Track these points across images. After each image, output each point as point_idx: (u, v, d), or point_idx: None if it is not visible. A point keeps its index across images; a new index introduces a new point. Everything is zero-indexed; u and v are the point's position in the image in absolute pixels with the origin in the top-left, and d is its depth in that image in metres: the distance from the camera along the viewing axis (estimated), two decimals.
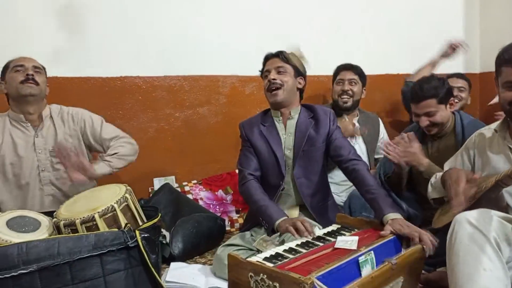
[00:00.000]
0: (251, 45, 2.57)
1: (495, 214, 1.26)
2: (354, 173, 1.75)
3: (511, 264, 1.21)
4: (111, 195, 1.56)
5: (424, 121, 1.95)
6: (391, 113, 3.08)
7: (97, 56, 2.38)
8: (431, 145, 2.06)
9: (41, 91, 1.92)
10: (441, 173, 1.64)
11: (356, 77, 2.48)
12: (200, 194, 2.50)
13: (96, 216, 1.46)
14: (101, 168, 1.82)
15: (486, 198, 1.36)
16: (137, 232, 1.39)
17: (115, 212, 1.50)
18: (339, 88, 2.47)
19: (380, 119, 2.64)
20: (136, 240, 1.38)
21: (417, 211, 1.97)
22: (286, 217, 1.63)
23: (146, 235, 1.41)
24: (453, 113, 2.01)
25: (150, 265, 1.36)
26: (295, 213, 1.85)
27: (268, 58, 1.92)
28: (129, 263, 1.37)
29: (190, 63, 2.56)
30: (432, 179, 1.69)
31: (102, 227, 1.47)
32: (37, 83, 1.88)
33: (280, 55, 1.88)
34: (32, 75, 1.86)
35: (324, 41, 2.87)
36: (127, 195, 1.57)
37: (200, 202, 2.44)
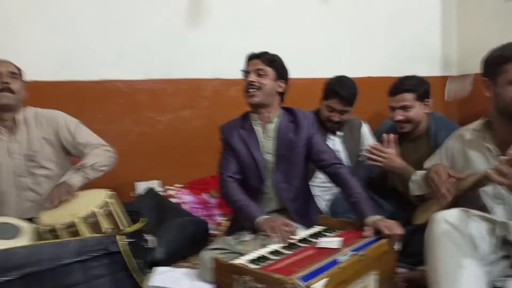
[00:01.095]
0: (234, 47, 2.58)
1: (472, 213, 1.30)
2: (336, 176, 1.77)
3: (490, 258, 1.25)
4: (92, 200, 1.55)
5: (398, 115, 2.01)
6: (375, 116, 3.11)
7: (77, 59, 2.36)
8: (405, 146, 2.10)
9: (17, 99, 1.87)
10: (421, 171, 1.68)
11: (348, 108, 2.31)
12: (184, 198, 2.49)
13: (78, 221, 1.45)
14: (77, 183, 1.79)
15: (464, 198, 1.40)
16: (119, 237, 1.38)
17: (96, 217, 1.49)
18: (327, 115, 2.31)
19: (364, 124, 2.61)
20: (118, 245, 1.37)
21: (398, 211, 2.01)
22: (266, 216, 1.65)
23: (129, 240, 1.41)
24: (426, 113, 2.07)
25: (133, 270, 1.36)
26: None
27: (250, 58, 1.90)
28: (113, 268, 1.36)
29: (172, 66, 2.56)
30: (413, 177, 1.73)
31: (85, 232, 1.45)
32: (13, 92, 1.83)
33: (261, 56, 1.87)
34: (8, 83, 1.81)
35: (308, 44, 2.90)
36: (107, 199, 1.56)
37: (184, 206, 2.43)
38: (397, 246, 1.49)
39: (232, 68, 2.67)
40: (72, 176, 1.79)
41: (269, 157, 1.86)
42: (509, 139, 1.42)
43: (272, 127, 1.89)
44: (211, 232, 2.29)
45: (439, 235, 1.25)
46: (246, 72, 1.88)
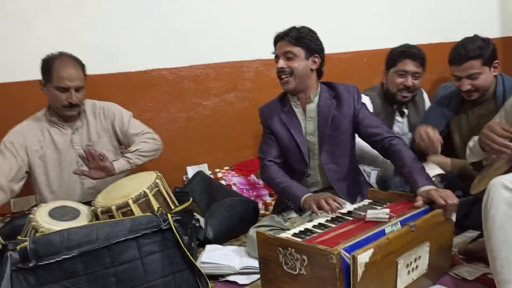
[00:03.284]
0: (273, 27, 2.53)
1: None
2: (389, 150, 1.67)
3: None
4: (143, 182, 1.62)
5: (466, 85, 1.84)
6: (432, 85, 2.92)
7: (125, 51, 2.45)
8: (471, 112, 1.96)
9: (81, 106, 1.98)
10: (477, 137, 1.56)
11: (420, 70, 2.16)
12: (233, 180, 2.53)
13: (130, 201, 1.53)
14: (120, 166, 1.89)
15: None
16: (169, 215, 1.43)
17: (147, 197, 1.56)
18: (400, 81, 2.14)
19: (423, 91, 2.44)
20: (169, 223, 1.42)
21: (456, 181, 1.89)
22: (311, 194, 1.62)
23: (178, 218, 1.46)
24: (495, 76, 1.90)
25: (183, 246, 1.40)
26: None
27: (276, 40, 1.79)
28: (164, 245, 1.42)
29: (213, 51, 2.58)
30: (470, 143, 1.62)
31: (137, 212, 1.53)
32: (78, 105, 1.94)
33: (287, 36, 1.73)
34: (75, 101, 1.88)
35: (346, 17, 2.79)
36: (157, 180, 1.63)
37: (233, 188, 2.48)
38: (452, 217, 1.41)
39: (272, 48, 2.67)
40: (117, 161, 1.90)
41: (312, 138, 1.80)
42: None
43: (312, 107, 1.80)
44: (261, 212, 2.32)
45: (497, 201, 1.16)
46: (276, 57, 1.79)
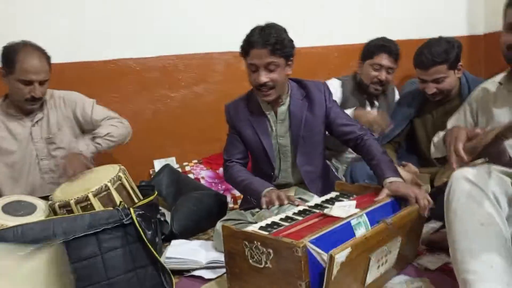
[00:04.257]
0: (244, 18, 2.50)
1: (494, 169, 1.22)
2: (361, 145, 1.67)
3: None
4: (105, 175, 1.56)
5: (432, 88, 1.87)
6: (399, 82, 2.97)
7: (90, 40, 2.35)
8: (435, 111, 1.99)
9: (42, 99, 1.87)
10: (443, 132, 1.59)
11: (395, 66, 2.19)
12: (201, 174, 2.49)
13: (90, 195, 1.46)
14: (90, 151, 1.81)
15: (487, 153, 1.31)
16: (131, 209, 1.38)
17: (109, 190, 1.50)
18: (374, 74, 2.17)
19: (395, 88, 2.49)
20: (131, 218, 1.37)
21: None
22: (272, 188, 1.58)
23: (141, 212, 1.40)
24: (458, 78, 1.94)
25: (147, 241, 1.36)
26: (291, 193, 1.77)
27: (253, 46, 1.56)
28: (126, 240, 1.37)
29: (182, 42, 2.51)
30: (435, 138, 1.65)
31: (97, 206, 1.47)
32: (40, 99, 1.84)
33: (268, 46, 1.52)
34: (38, 95, 1.79)
35: (318, 11, 2.78)
36: (120, 174, 1.57)
37: (202, 181, 2.44)
38: (426, 214, 1.41)
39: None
40: (84, 145, 1.80)
41: (283, 141, 1.74)
42: None
43: (284, 109, 1.73)
44: (230, 205, 2.29)
45: (458, 193, 1.18)
46: (252, 66, 1.59)
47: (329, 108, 1.73)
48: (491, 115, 1.43)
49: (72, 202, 1.45)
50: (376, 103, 2.30)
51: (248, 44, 1.58)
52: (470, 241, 1.09)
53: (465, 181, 1.18)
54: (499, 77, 1.47)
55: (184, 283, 1.51)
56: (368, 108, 2.28)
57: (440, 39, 1.91)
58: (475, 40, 3.07)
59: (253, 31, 1.60)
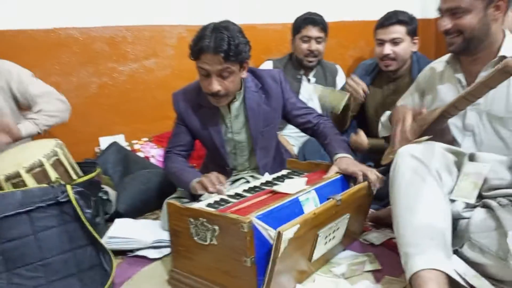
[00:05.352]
0: None
1: (439, 146, 1.24)
2: (317, 131, 1.67)
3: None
4: (39, 150, 1.43)
5: (387, 49, 1.92)
6: (354, 61, 3.00)
7: (28, 6, 2.15)
8: (386, 87, 2.03)
9: None
10: (389, 112, 1.61)
11: (323, 34, 2.30)
12: (151, 152, 2.39)
13: (22, 171, 1.34)
14: (26, 128, 1.66)
15: (431, 131, 1.33)
16: (68, 186, 1.28)
17: (43, 166, 1.38)
18: (305, 47, 2.29)
19: (340, 69, 2.54)
20: (68, 195, 1.27)
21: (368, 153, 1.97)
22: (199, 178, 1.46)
23: (79, 190, 1.31)
24: (413, 52, 2.00)
25: (85, 220, 1.27)
26: None
27: (203, 50, 1.39)
28: (62, 219, 1.27)
29: (131, 12, 2.37)
30: (382, 118, 1.66)
31: (31, 183, 1.35)
32: None
33: (221, 53, 1.37)
34: None
35: None
36: (56, 148, 1.45)
37: (152, 160, 2.34)
38: (374, 188, 1.42)
39: (198, 13, 2.51)
40: (21, 122, 1.67)
41: (239, 137, 1.66)
42: (473, 69, 1.36)
43: (237, 104, 1.61)
44: None
45: (403, 169, 1.19)
46: (204, 71, 1.44)
47: (286, 100, 1.67)
48: (436, 94, 1.46)
49: (1, 178, 1.33)
50: (313, 79, 2.40)
51: (199, 49, 1.40)
52: (412, 215, 1.11)
53: (410, 157, 1.20)
54: (447, 56, 1.50)
55: (127, 264, 1.44)
56: (304, 83, 2.39)
57: (404, 11, 1.99)
58: (426, 24, 3.15)
59: (203, 32, 1.42)
